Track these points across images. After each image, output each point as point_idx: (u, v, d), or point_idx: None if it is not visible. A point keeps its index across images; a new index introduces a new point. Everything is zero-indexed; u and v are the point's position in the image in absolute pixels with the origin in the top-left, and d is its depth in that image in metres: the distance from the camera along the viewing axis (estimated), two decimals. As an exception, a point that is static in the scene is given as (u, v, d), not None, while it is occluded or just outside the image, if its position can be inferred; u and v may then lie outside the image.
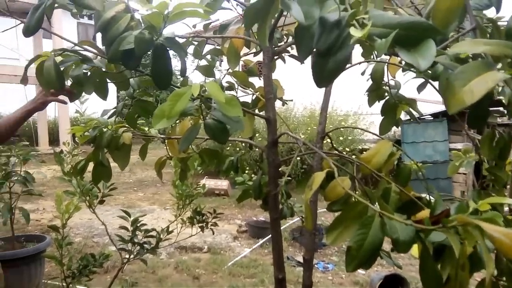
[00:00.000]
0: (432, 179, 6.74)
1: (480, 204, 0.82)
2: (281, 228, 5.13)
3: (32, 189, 3.44)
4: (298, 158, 7.58)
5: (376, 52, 0.77)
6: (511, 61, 0.59)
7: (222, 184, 8.47)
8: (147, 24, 0.91)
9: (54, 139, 16.36)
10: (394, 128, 1.72)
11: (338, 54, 0.63)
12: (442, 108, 6.85)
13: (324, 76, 0.65)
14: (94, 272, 2.59)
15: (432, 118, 7.11)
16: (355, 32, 0.57)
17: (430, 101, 6.46)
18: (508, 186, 1.36)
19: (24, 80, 1.11)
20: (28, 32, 0.91)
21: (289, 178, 1.94)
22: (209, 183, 8.18)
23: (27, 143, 4.01)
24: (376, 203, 0.97)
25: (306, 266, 1.49)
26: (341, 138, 8.27)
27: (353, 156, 1.29)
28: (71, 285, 2.52)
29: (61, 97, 1.39)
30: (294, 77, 5.94)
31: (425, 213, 0.95)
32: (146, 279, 4.36)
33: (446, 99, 0.55)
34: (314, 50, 0.65)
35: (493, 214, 0.85)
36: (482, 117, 0.73)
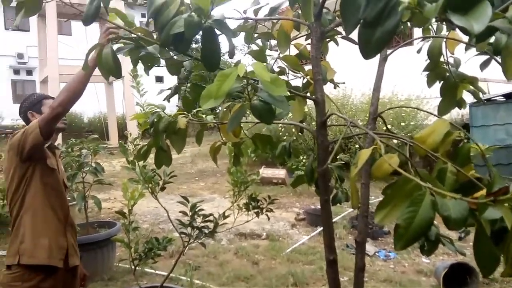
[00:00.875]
0: (505, 165, 6.24)
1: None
2: (341, 215, 5.06)
3: (102, 178, 3.72)
4: (356, 145, 7.40)
5: (427, 20, 0.72)
6: None
7: (280, 173, 8.52)
8: (196, 7, 0.94)
9: (123, 134, 17.42)
10: (462, 111, 1.63)
11: (386, 23, 0.61)
12: (514, 88, 6.31)
13: (372, 47, 0.64)
14: (159, 255, 2.75)
15: (504, 99, 6.56)
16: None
17: (500, 81, 5.97)
18: None
19: (86, 67, 1.20)
20: (87, 20, 0.98)
21: (343, 162, 1.91)
22: (266, 172, 8.28)
23: (97, 136, 4.34)
24: (428, 184, 0.94)
25: (359, 249, 1.47)
26: (402, 124, 7.93)
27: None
28: (138, 267, 2.70)
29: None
30: (351, 62, 5.77)
31: (482, 192, 0.90)
32: (208, 263, 4.54)
33: (504, 64, 0.52)
34: (361, 21, 0.64)
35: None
36: None
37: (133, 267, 2.67)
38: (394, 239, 0.83)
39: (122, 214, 2.55)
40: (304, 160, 6.70)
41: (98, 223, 4.57)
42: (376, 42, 0.64)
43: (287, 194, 7.73)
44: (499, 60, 1.18)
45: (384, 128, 1.49)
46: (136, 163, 2.50)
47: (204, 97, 0.88)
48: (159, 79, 23.89)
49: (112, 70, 1.07)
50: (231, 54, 1.05)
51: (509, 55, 0.52)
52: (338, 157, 3.83)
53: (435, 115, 1.53)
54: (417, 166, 1.12)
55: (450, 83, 1.50)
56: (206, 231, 2.49)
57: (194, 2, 0.93)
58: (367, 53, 0.66)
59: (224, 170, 11.33)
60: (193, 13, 0.93)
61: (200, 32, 0.98)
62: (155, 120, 1.51)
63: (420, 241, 1.78)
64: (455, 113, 7.99)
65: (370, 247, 4.94)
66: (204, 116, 1.83)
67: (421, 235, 0.81)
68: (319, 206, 6.65)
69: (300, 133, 1.81)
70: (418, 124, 8.07)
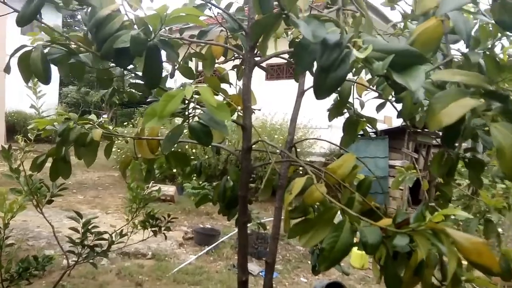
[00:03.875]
0: (371, 193, 7.12)
1: (435, 215, 0.94)
2: (229, 235, 5.12)
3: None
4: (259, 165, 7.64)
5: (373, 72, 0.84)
6: (482, 90, 0.70)
7: (169, 189, 8.32)
8: (142, 24, 0.93)
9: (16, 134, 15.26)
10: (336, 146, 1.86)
11: (338, 71, 0.70)
12: (385, 126, 7.30)
13: (325, 89, 0.73)
14: (35, 276, 2.46)
15: (375, 135, 7.53)
16: (358, 54, 0.65)
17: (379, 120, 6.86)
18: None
19: (8, 69, 1.06)
20: (22, 22, 0.89)
21: (252, 184, 2.00)
22: (153, 186, 8.00)
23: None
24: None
25: (268, 269, 1.55)
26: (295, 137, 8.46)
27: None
28: (8, 290, 2.37)
29: None
30: (261, 86, 6.03)
31: (386, 221, 1.05)
32: (85, 285, 4.17)
33: (427, 118, 0.65)
34: (315, 66, 0.72)
35: (446, 223, 0.96)
36: (454, 137, 0.84)
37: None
38: (319, 261, 0.92)
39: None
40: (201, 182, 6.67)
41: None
42: (328, 86, 0.73)
43: (175, 212, 7.56)
44: (395, 104, 1.40)
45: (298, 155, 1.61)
46: (21, 171, 2.23)
47: (148, 115, 0.87)
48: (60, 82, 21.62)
49: (40, 75, 0.97)
50: (172, 74, 1.05)
51: (432, 114, 0.66)
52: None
53: (341, 148, 1.71)
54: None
55: (353, 121, 1.71)
56: (99, 250, 2.32)
57: (144, 20, 0.92)
58: (319, 95, 0.75)
59: (106, 183, 10.63)
60: (140, 31, 0.91)
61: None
62: (66, 129, 1.39)
63: (313, 261, 1.94)
64: (327, 145, 8.83)
65: (254, 267, 5.11)
66: (111, 128, 1.75)
67: (343, 257, 0.91)
68: (207, 225, 6.66)
69: (216, 154, 1.84)
70: (304, 151, 8.70)
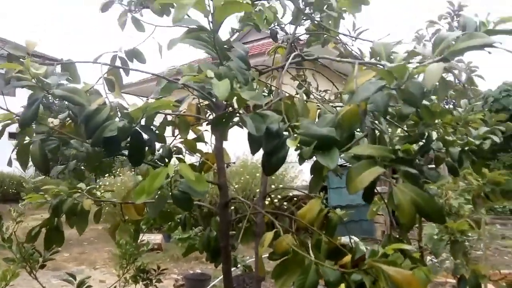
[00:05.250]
0: (356, 221, 7.30)
1: (386, 249, 1.12)
2: (219, 278, 5.15)
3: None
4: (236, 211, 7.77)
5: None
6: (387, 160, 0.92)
7: (156, 238, 8.30)
8: (126, 115, 1.12)
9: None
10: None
11: (279, 154, 0.93)
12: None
13: (270, 168, 0.95)
14: None
15: (352, 165, 7.80)
16: (290, 143, 0.86)
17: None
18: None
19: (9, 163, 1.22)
20: (24, 124, 1.06)
21: (233, 232, 2.15)
22: (141, 237, 7.96)
23: None
24: (311, 252, 1.23)
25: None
26: (272, 186, 8.64)
27: (285, 203, 1.56)
28: None
29: None
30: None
31: (348, 258, 1.22)
32: None
33: (348, 183, 0.86)
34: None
35: (395, 256, 1.15)
36: (370, 195, 1.07)
37: None
38: (292, 300, 1.08)
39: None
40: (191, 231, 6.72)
41: None
42: (273, 166, 0.96)
43: (164, 260, 7.52)
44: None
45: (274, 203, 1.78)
46: (13, 240, 2.32)
47: (138, 192, 1.04)
48: (13, 136, 21.38)
49: (40, 167, 1.14)
50: (153, 151, 1.23)
51: (350, 180, 0.87)
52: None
53: (304, 192, 1.90)
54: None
55: (318, 165, 1.90)
56: (93, 310, 2.38)
57: (124, 112, 1.11)
58: (267, 173, 0.97)
59: (91, 237, 10.48)
60: (124, 121, 1.10)
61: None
62: (59, 203, 1.54)
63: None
64: (309, 177, 9.04)
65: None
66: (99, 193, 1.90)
67: (311, 295, 1.07)
68: (198, 270, 6.65)
69: (198, 208, 2.00)
70: (286, 185, 8.87)
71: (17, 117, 1.14)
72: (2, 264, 2.47)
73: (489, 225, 8.77)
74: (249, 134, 0.91)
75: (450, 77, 2.09)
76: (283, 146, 0.90)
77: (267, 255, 1.30)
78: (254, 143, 0.93)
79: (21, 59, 1.10)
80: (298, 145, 0.87)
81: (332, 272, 1.06)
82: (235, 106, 1.07)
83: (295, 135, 0.90)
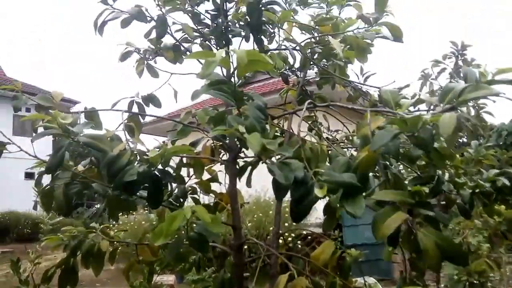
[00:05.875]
0: (373, 260, 7.09)
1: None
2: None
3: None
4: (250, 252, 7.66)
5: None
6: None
7: (168, 279, 8.16)
8: (146, 160, 1.18)
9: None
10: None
11: (306, 201, 0.96)
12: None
13: (298, 216, 1.00)
14: None
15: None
16: (319, 192, 0.90)
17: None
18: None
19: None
20: (51, 170, 1.12)
21: (247, 274, 2.14)
22: (154, 279, 7.85)
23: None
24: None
25: None
26: (286, 224, 8.54)
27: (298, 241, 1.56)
28: None
29: None
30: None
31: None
32: None
33: (374, 230, 0.89)
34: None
35: None
36: (396, 239, 1.09)
37: None
38: None
39: None
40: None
41: None
42: (301, 213, 0.99)
43: (176, 301, 7.38)
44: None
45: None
46: (30, 282, 2.35)
47: (156, 234, 1.08)
48: (29, 175, 21.82)
49: (62, 209, 1.19)
50: (171, 194, 1.27)
51: (376, 227, 0.90)
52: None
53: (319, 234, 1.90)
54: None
55: (332, 207, 1.92)
56: None
57: (143, 157, 1.17)
58: (296, 219, 1.00)
59: (104, 278, 10.34)
60: (145, 166, 1.15)
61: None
62: (77, 245, 1.58)
63: None
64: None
65: None
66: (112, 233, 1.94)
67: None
68: (211, 313, 6.44)
69: (213, 250, 2.01)
70: (300, 224, 8.76)
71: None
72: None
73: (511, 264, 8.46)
74: (275, 182, 0.95)
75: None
76: (310, 194, 0.94)
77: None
78: (280, 191, 0.97)
79: (49, 110, 1.17)
80: (324, 194, 0.91)
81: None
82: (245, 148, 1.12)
83: (319, 182, 0.94)
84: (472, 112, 2.57)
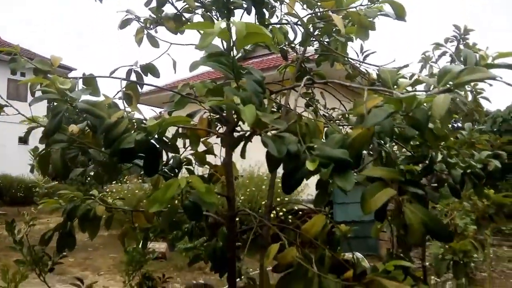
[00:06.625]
0: (361, 238, 7.26)
1: (387, 265, 1.17)
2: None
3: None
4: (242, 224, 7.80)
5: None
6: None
7: (160, 246, 8.33)
8: (143, 128, 1.19)
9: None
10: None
11: (298, 174, 0.98)
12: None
13: (290, 187, 1.01)
14: None
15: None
16: (310, 166, 0.92)
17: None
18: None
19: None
20: (48, 135, 1.13)
21: (239, 244, 2.20)
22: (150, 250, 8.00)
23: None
24: (314, 265, 1.27)
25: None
26: (278, 199, 8.66)
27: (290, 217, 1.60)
28: None
29: None
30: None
31: (350, 273, 1.26)
32: None
33: (362, 204, 0.92)
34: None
35: (396, 272, 1.18)
36: (382, 215, 1.12)
37: None
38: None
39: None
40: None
41: None
42: (292, 185, 1.02)
43: (168, 269, 7.54)
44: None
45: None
46: (24, 243, 2.38)
47: (151, 201, 1.10)
48: (23, 140, 21.81)
49: (59, 173, 1.21)
50: (167, 162, 1.29)
51: (364, 201, 0.92)
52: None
53: (311, 208, 1.94)
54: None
55: (323, 181, 1.95)
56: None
57: (141, 126, 1.18)
58: (287, 191, 1.02)
59: (96, 243, 10.52)
60: (142, 134, 1.16)
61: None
62: (73, 208, 1.60)
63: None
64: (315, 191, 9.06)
65: (250, 321, 5.12)
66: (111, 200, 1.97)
67: (313, 308, 1.12)
68: (201, 281, 6.65)
69: (206, 220, 2.04)
70: (292, 199, 8.89)
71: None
72: (11, 265, 2.54)
73: (496, 247, 8.67)
74: (268, 154, 0.97)
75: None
76: (302, 167, 0.96)
77: (271, 268, 1.35)
78: (272, 163, 0.99)
79: (47, 74, 1.17)
80: (315, 168, 0.93)
81: (334, 284, 1.10)
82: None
83: (312, 156, 0.96)
84: (470, 97, 2.58)
